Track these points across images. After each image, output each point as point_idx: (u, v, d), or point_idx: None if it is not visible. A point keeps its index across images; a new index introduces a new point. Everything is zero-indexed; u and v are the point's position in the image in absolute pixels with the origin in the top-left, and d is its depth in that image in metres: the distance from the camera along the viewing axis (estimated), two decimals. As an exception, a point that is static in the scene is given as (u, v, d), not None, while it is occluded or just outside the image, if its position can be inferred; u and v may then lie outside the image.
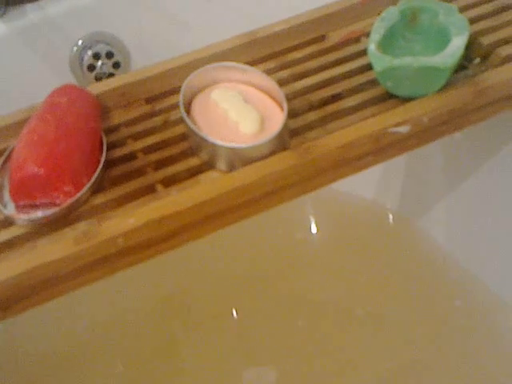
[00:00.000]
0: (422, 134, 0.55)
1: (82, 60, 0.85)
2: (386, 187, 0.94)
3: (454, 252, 0.86)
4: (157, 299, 0.88)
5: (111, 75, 0.86)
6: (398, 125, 0.53)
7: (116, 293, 0.86)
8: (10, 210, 0.50)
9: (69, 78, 0.85)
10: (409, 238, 0.92)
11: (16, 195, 0.50)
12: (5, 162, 0.54)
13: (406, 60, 0.53)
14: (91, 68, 0.85)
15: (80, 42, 0.84)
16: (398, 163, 0.88)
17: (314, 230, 0.95)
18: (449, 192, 0.84)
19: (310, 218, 0.96)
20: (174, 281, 0.89)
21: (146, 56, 0.85)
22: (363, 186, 0.92)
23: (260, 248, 0.92)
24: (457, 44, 0.54)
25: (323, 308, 0.86)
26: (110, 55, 0.85)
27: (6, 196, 0.51)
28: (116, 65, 0.86)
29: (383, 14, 0.59)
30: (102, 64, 0.85)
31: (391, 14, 0.58)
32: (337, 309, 0.85)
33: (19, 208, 0.50)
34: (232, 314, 0.86)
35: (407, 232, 0.92)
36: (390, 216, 0.94)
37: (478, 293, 0.83)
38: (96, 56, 0.84)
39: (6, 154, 0.54)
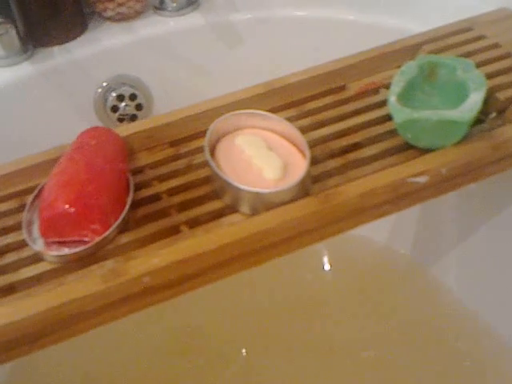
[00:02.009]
0: (440, 185, 0.56)
1: (106, 101, 0.87)
2: (399, 232, 0.95)
3: (464, 298, 0.87)
4: (166, 337, 0.88)
5: (134, 116, 0.89)
6: (416, 175, 0.54)
7: (125, 328, 0.87)
8: (39, 245, 0.51)
9: (92, 118, 0.87)
10: (420, 283, 0.92)
11: (46, 232, 0.51)
12: (34, 199, 0.55)
13: (426, 113, 0.55)
14: (114, 109, 0.87)
15: (105, 84, 0.86)
16: (413, 209, 0.89)
17: (326, 271, 0.96)
18: (461, 239, 0.85)
19: (323, 259, 0.97)
20: (183, 319, 0.90)
21: (168, 99, 0.88)
22: (377, 230, 0.93)
23: (272, 288, 0.93)
24: (474, 99, 0.56)
25: (332, 350, 0.86)
26: (133, 97, 0.87)
27: (36, 232, 0.53)
28: (139, 106, 0.88)
29: (403, 68, 0.60)
30: (126, 105, 0.87)
31: (410, 68, 0.60)
32: (346, 351, 0.86)
33: (48, 244, 0.51)
34: (242, 354, 0.86)
35: (419, 277, 0.93)
36: (403, 261, 0.94)
37: (486, 338, 0.83)
38: (120, 98, 0.87)
39: (35, 191, 0.56)
